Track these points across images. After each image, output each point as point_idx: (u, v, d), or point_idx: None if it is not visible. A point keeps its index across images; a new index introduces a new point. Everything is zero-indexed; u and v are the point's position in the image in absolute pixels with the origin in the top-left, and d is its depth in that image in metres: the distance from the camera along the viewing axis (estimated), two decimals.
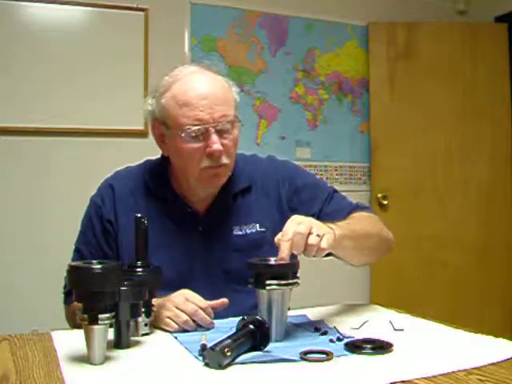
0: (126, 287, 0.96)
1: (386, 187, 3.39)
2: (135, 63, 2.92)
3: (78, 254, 1.33)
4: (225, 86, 1.26)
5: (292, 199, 1.35)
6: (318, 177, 1.47)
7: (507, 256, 3.39)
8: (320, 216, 1.29)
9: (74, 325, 1.25)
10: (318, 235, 1.00)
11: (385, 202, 3.36)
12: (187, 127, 1.20)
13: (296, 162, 1.49)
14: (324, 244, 1.01)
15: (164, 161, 1.35)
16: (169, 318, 1.10)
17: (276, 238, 1.02)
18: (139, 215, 1.11)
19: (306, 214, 1.21)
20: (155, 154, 1.44)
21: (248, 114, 3.16)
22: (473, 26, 3.48)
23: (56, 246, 2.67)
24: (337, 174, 3.40)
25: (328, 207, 1.33)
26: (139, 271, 1.07)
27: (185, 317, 1.09)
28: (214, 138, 1.20)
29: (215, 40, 3.13)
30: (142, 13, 2.94)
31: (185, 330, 1.09)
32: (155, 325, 1.11)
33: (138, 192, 1.33)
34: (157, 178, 1.34)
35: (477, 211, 3.41)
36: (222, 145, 1.22)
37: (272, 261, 1.04)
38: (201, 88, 1.22)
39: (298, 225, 1.01)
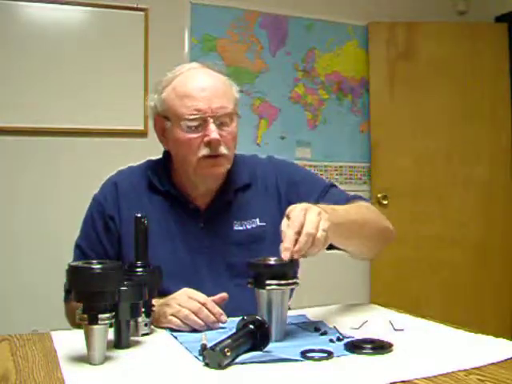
0: (126, 287, 0.96)
1: (386, 187, 3.39)
2: (135, 63, 2.92)
3: (79, 250, 1.34)
4: (225, 82, 1.32)
5: (290, 193, 1.36)
6: (315, 173, 1.49)
7: (507, 256, 3.39)
8: None
9: (74, 322, 1.25)
10: (324, 231, 0.99)
11: (385, 202, 3.36)
12: (186, 117, 1.24)
13: (296, 162, 1.50)
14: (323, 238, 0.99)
15: (166, 159, 1.38)
16: (172, 314, 1.10)
17: (282, 225, 1.00)
18: (139, 215, 1.11)
19: None
20: (155, 153, 1.44)
21: (248, 113, 3.16)
22: (473, 26, 3.48)
23: (56, 245, 2.67)
24: (337, 174, 3.41)
25: (324, 200, 1.33)
26: (139, 271, 1.07)
27: (186, 311, 1.09)
28: (212, 127, 1.24)
29: (215, 40, 3.13)
30: (142, 13, 2.94)
31: (194, 330, 1.08)
32: (159, 324, 1.12)
33: (141, 187, 1.35)
34: (159, 175, 1.36)
35: (477, 211, 3.41)
36: (221, 136, 1.25)
37: (272, 261, 1.04)
38: (201, 81, 1.28)
39: (303, 218, 0.99)
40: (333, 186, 1.41)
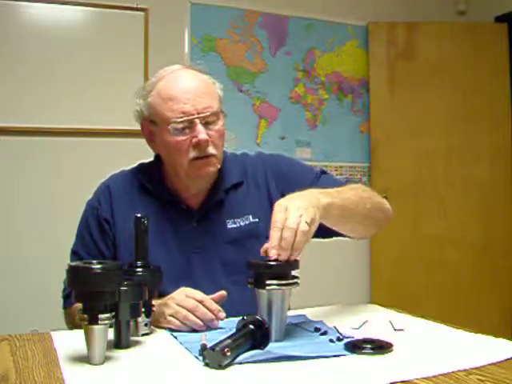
0: (126, 287, 0.96)
1: (386, 187, 3.38)
2: (135, 63, 2.92)
3: (76, 256, 1.34)
4: (207, 81, 1.32)
5: (280, 185, 1.36)
6: (304, 162, 1.48)
7: (507, 256, 3.39)
8: None
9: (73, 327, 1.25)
10: (305, 229, 1.00)
11: None
12: (173, 120, 1.24)
13: (277, 153, 1.49)
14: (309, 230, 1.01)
15: (157, 161, 1.39)
16: (170, 315, 1.10)
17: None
18: (139, 215, 1.11)
19: None
20: (154, 154, 1.44)
21: (248, 113, 3.17)
22: (473, 26, 3.48)
23: (56, 245, 2.66)
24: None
25: (317, 186, 1.31)
26: (139, 271, 1.07)
27: (185, 312, 1.09)
28: (200, 128, 1.24)
29: (215, 40, 3.13)
30: (142, 13, 2.94)
31: (193, 330, 1.08)
32: (159, 325, 1.12)
33: (134, 191, 1.35)
34: (151, 177, 1.36)
35: (477, 211, 3.41)
36: (209, 136, 1.25)
37: (272, 261, 1.04)
38: (183, 83, 1.28)
39: (285, 212, 1.01)
40: (324, 172, 1.40)
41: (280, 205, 1.03)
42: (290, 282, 1.02)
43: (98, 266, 0.89)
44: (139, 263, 1.08)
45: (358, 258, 3.35)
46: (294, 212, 1.01)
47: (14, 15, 2.73)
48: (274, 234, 1.00)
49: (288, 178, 1.36)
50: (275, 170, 1.39)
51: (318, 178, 1.36)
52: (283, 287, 1.02)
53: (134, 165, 1.44)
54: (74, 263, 0.93)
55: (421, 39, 3.44)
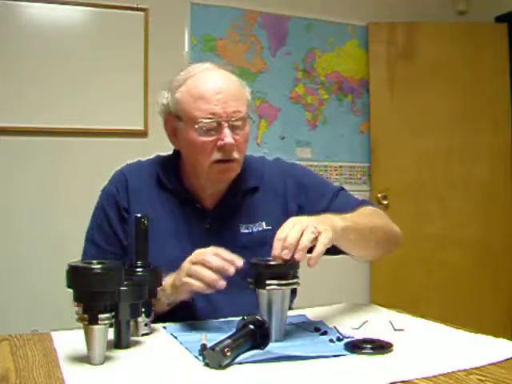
0: (126, 287, 0.96)
1: (386, 187, 3.39)
2: (135, 63, 2.92)
3: (93, 244, 1.31)
4: (238, 83, 1.30)
5: (299, 197, 1.36)
6: (323, 176, 1.47)
7: (507, 256, 3.39)
8: (327, 212, 1.30)
9: None
10: (313, 230, 1.01)
11: (385, 202, 3.35)
12: (200, 120, 1.22)
13: (297, 162, 1.50)
14: (323, 239, 1.01)
15: (175, 156, 1.37)
16: (187, 275, 1.07)
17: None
18: (139, 215, 1.11)
19: (314, 211, 1.21)
20: (155, 153, 1.44)
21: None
22: (473, 26, 3.48)
23: (57, 245, 2.67)
24: (337, 174, 3.41)
25: (335, 204, 1.34)
26: (139, 271, 1.07)
27: (199, 268, 1.06)
28: (227, 131, 1.23)
29: (215, 40, 3.13)
30: (142, 13, 2.94)
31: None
32: (178, 296, 1.11)
33: (151, 183, 1.34)
34: (168, 172, 1.35)
35: (477, 211, 3.41)
36: (234, 140, 1.24)
37: (272, 261, 1.04)
38: (215, 83, 1.25)
39: (293, 226, 1.02)
40: (342, 189, 1.41)
41: (288, 222, 1.04)
42: (290, 281, 1.02)
43: (98, 266, 0.89)
44: (139, 263, 1.08)
45: None
46: (300, 224, 1.02)
47: (14, 15, 2.73)
48: (276, 244, 1.00)
49: (309, 193, 1.36)
50: (296, 182, 1.38)
51: (336, 196, 1.36)
52: (283, 287, 1.02)
53: (151, 156, 1.41)
54: (74, 263, 0.92)
55: (421, 39, 3.43)
